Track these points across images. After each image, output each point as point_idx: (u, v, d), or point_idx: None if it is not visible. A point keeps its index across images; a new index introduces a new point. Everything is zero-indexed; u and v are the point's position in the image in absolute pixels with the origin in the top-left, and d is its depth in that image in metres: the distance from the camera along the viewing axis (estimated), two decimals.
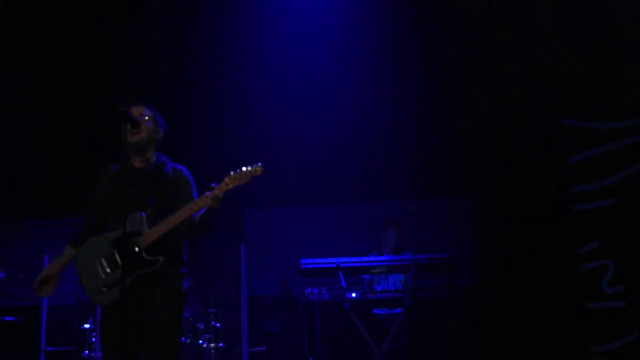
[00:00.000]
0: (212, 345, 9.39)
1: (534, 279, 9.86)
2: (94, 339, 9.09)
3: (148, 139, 5.71)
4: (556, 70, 10.04)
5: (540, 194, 10.03)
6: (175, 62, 10.92)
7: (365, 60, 10.72)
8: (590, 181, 9.91)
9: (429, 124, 10.71)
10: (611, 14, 9.77)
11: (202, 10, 10.86)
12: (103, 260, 5.45)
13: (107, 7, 10.68)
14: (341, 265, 8.61)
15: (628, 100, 9.73)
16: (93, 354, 9.02)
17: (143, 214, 5.42)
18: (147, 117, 5.71)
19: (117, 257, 5.40)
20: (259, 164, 5.37)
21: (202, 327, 9.47)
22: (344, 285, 8.57)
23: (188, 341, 9.21)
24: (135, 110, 5.66)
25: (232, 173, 5.35)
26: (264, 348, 10.08)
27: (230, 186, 5.32)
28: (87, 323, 9.22)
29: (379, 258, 9.43)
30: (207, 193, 5.32)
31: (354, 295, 8.62)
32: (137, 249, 5.34)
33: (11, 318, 10.06)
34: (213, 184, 5.34)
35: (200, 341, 9.38)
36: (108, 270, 5.42)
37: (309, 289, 8.90)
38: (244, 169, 5.36)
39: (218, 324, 9.54)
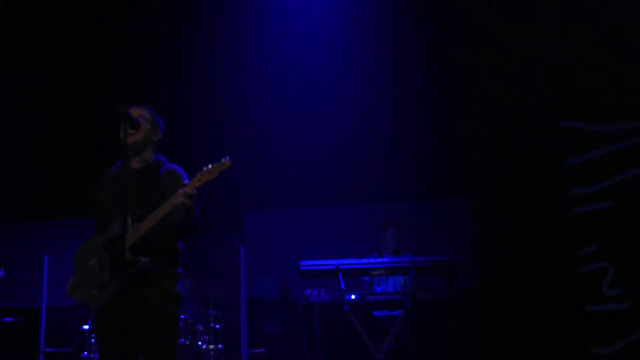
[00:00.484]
0: (212, 346, 9.36)
1: (533, 281, 9.86)
2: (93, 340, 9.07)
3: (145, 139, 5.69)
4: (556, 71, 10.04)
5: (540, 195, 10.03)
6: (175, 62, 10.92)
7: (365, 60, 10.72)
8: (590, 183, 9.92)
9: (429, 125, 10.69)
10: (611, 14, 9.76)
11: (202, 10, 10.85)
12: (96, 262, 5.45)
13: (107, 7, 10.68)
14: (340, 267, 8.60)
15: (628, 103, 9.74)
16: (92, 355, 9.01)
17: (130, 215, 5.41)
18: (145, 119, 5.70)
19: (107, 259, 5.40)
20: (227, 157, 5.31)
21: (202, 328, 9.45)
22: (344, 287, 8.56)
23: (187, 343, 9.20)
24: (135, 111, 5.64)
25: (203, 168, 5.33)
26: (263, 350, 10.06)
27: (200, 182, 5.27)
28: (86, 324, 9.19)
29: (378, 260, 9.42)
30: (180, 190, 5.31)
31: (353, 297, 8.62)
32: (121, 250, 5.30)
33: (10, 319, 10.08)
34: (186, 181, 5.37)
35: (200, 343, 9.35)
36: (99, 272, 5.42)
37: (309, 291, 8.88)
38: (210, 165, 5.34)
39: (217, 326, 9.51)
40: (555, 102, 10.16)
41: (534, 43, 10.05)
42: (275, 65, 10.76)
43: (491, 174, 10.34)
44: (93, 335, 9.08)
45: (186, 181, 5.64)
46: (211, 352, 9.34)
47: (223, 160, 5.30)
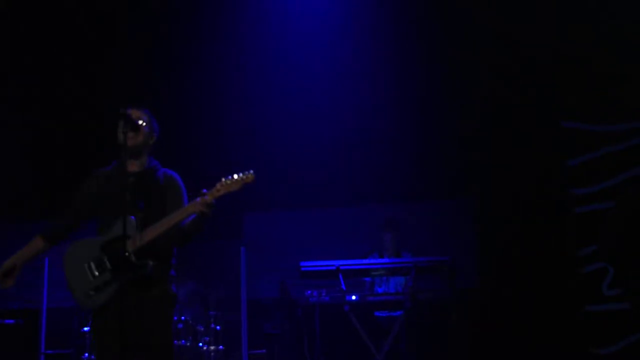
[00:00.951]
0: (212, 347, 9.34)
1: (533, 282, 9.86)
2: (93, 342, 9.07)
3: (144, 142, 5.71)
4: (556, 72, 10.04)
5: (540, 196, 10.03)
6: (175, 62, 10.91)
7: (365, 61, 10.72)
8: (590, 184, 9.91)
9: (429, 125, 10.69)
10: (611, 14, 9.76)
11: (202, 10, 10.84)
12: (92, 263, 5.45)
13: (107, 7, 10.67)
14: (341, 267, 8.63)
15: (628, 103, 9.73)
16: (92, 356, 9.00)
17: (133, 218, 5.42)
18: (143, 121, 5.70)
19: (106, 261, 5.41)
20: (251, 171, 5.37)
21: (202, 329, 9.42)
22: (344, 288, 8.57)
23: (188, 344, 9.18)
24: (133, 113, 5.63)
25: (223, 179, 5.36)
26: (264, 351, 10.05)
27: (222, 192, 5.33)
28: (86, 326, 9.17)
29: (378, 260, 9.42)
30: (198, 199, 5.33)
31: (354, 297, 8.64)
32: (126, 252, 5.31)
33: (11, 321, 10.07)
34: (204, 190, 5.35)
35: (200, 344, 9.33)
36: (96, 273, 5.42)
37: (309, 291, 8.90)
38: (235, 176, 5.36)
39: (218, 327, 9.48)
40: (555, 102, 10.16)
41: (534, 43, 10.05)
42: (275, 66, 10.76)
43: (491, 174, 10.35)
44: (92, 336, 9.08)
45: (184, 188, 5.68)
46: (212, 353, 9.33)
47: (247, 173, 5.34)
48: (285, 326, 10.14)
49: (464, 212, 10.92)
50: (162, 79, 10.79)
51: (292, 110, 10.74)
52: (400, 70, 10.67)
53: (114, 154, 5.80)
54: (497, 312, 9.65)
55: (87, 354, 9.09)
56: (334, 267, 8.63)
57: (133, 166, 5.68)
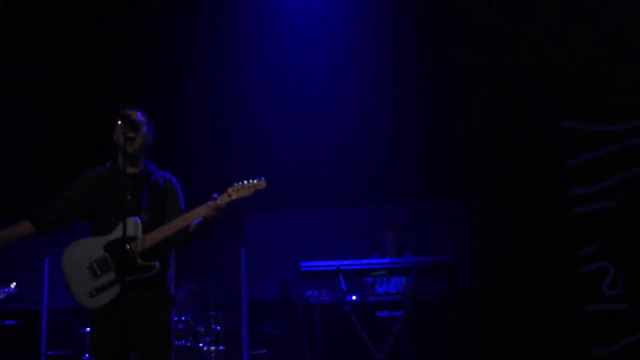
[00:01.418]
0: (213, 348, 9.38)
1: (534, 282, 9.85)
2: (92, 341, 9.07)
3: (142, 145, 5.70)
4: (556, 72, 10.03)
5: (540, 196, 10.02)
6: (175, 63, 10.91)
7: (365, 61, 10.71)
8: (589, 184, 9.91)
9: (429, 125, 10.69)
10: (611, 14, 9.76)
11: (202, 10, 10.84)
12: (94, 264, 5.42)
13: (107, 7, 10.66)
14: (341, 267, 8.62)
15: (627, 103, 9.73)
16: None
17: (138, 219, 5.43)
18: (142, 123, 5.70)
19: (110, 261, 5.40)
20: (262, 178, 5.41)
21: (203, 330, 9.45)
22: (344, 288, 8.57)
23: (189, 344, 9.20)
24: (132, 114, 5.63)
25: (235, 184, 5.38)
26: (264, 351, 10.07)
27: (234, 197, 5.37)
28: (87, 327, 9.18)
29: (379, 261, 9.43)
30: (209, 203, 5.34)
31: (354, 297, 8.64)
32: (132, 254, 5.34)
33: (11, 322, 10.06)
34: (215, 195, 5.35)
35: (201, 344, 9.36)
36: (99, 273, 5.41)
37: (309, 292, 8.91)
38: (246, 181, 5.39)
39: (218, 327, 9.52)
40: (555, 102, 10.15)
41: (534, 43, 10.04)
42: (275, 66, 10.75)
43: (491, 174, 10.34)
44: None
45: (181, 192, 5.69)
46: (212, 354, 9.36)
47: (259, 180, 5.38)
48: (286, 326, 10.17)
49: (464, 212, 10.95)
50: (162, 79, 10.78)
51: (292, 110, 10.75)
52: (400, 70, 10.65)
53: (110, 154, 5.79)
54: (497, 312, 9.65)
55: (87, 355, 9.10)
56: (334, 268, 8.62)
57: (131, 167, 5.65)
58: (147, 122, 5.77)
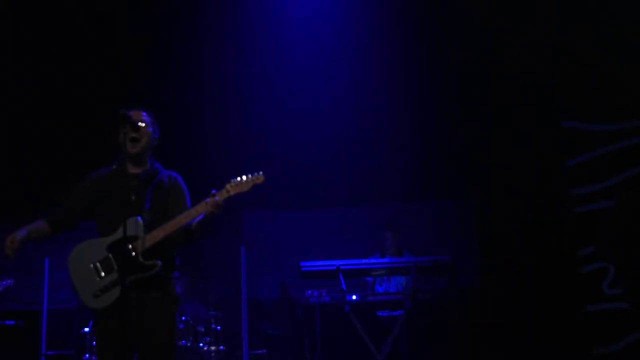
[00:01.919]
0: (213, 348, 9.35)
1: (534, 281, 9.86)
2: (94, 343, 9.07)
3: (147, 146, 5.70)
4: (556, 72, 10.03)
5: (540, 196, 10.03)
6: (174, 63, 10.91)
7: (365, 61, 10.72)
8: (589, 183, 9.91)
9: (429, 126, 10.70)
10: (611, 14, 9.76)
11: (202, 10, 10.84)
12: (98, 264, 5.45)
13: (107, 7, 10.66)
14: (341, 267, 8.61)
15: (627, 103, 9.73)
16: (93, 357, 9.00)
17: (140, 218, 5.43)
18: (146, 123, 5.70)
19: (113, 261, 5.41)
20: (260, 172, 5.39)
21: (203, 330, 9.44)
22: (344, 288, 8.57)
23: (189, 344, 9.19)
24: (135, 115, 5.63)
25: (233, 180, 5.38)
26: (264, 351, 10.07)
27: (232, 193, 5.35)
28: (87, 327, 9.18)
29: (379, 260, 9.43)
30: (207, 199, 5.33)
31: (354, 297, 8.64)
32: (134, 253, 5.35)
33: (11, 322, 10.08)
34: (214, 191, 5.35)
35: (201, 344, 9.34)
36: (103, 274, 5.42)
37: (309, 291, 8.91)
38: (244, 177, 5.38)
39: (218, 327, 9.51)
40: (555, 102, 10.15)
41: (534, 43, 10.04)
42: (275, 66, 10.76)
43: (491, 175, 10.34)
44: (94, 337, 9.08)
45: (186, 190, 5.68)
46: (212, 354, 9.33)
47: (257, 174, 5.36)
48: (286, 326, 10.16)
49: (464, 212, 10.96)
50: (162, 79, 10.78)
51: (292, 109, 10.76)
52: (400, 70, 10.67)
53: (112, 155, 5.78)
54: (497, 311, 9.62)
55: (87, 355, 9.09)
56: (334, 267, 8.61)
57: (135, 168, 5.69)
58: (152, 122, 5.78)
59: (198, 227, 5.53)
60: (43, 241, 5.91)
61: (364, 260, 9.16)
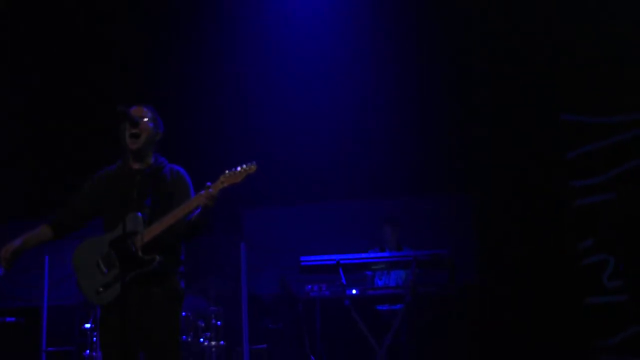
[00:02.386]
0: (213, 343, 9.38)
1: (534, 275, 9.83)
2: (94, 339, 9.08)
3: (148, 141, 5.68)
4: (555, 65, 10.03)
5: (540, 189, 10.01)
6: (175, 63, 10.94)
7: (364, 58, 10.75)
8: (589, 176, 9.90)
9: (427, 120, 10.71)
10: (610, 7, 9.78)
11: (202, 10, 10.88)
12: (100, 260, 5.46)
13: (107, 7, 10.70)
14: (341, 261, 8.59)
15: (626, 95, 9.72)
16: (94, 353, 9.02)
17: (140, 214, 5.44)
18: (147, 118, 5.69)
19: (114, 257, 5.41)
20: (253, 162, 5.39)
21: (203, 325, 9.47)
22: (344, 282, 8.56)
23: (189, 339, 9.22)
24: (136, 111, 5.64)
25: (227, 172, 5.37)
26: (265, 346, 10.06)
27: (226, 184, 5.34)
28: (87, 323, 9.20)
29: (379, 254, 9.41)
30: (202, 192, 5.34)
31: (354, 291, 8.62)
32: (133, 248, 5.34)
33: (12, 319, 10.10)
34: (208, 183, 5.35)
35: (202, 339, 9.37)
36: (105, 270, 5.43)
37: (309, 286, 8.90)
38: (238, 167, 5.38)
39: (219, 322, 9.53)
40: (554, 95, 10.14)
41: (534, 38, 10.05)
42: (275, 64, 10.78)
43: (490, 169, 10.34)
44: (95, 333, 9.10)
45: (190, 183, 5.68)
46: (213, 349, 9.35)
47: (250, 164, 5.36)
48: (286, 321, 10.16)
49: (463, 206, 10.94)
50: (162, 79, 10.81)
51: (291, 106, 10.78)
52: (400, 67, 10.70)
53: (114, 153, 5.80)
54: (497, 305, 9.63)
55: (88, 351, 9.10)
56: (334, 262, 8.58)
57: (138, 164, 5.69)
58: (153, 118, 5.77)
59: (197, 220, 5.51)
60: None
61: (363, 255, 9.14)
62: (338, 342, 9.01)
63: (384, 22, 10.75)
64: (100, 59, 10.83)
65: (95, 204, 5.72)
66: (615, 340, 9.47)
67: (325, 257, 8.64)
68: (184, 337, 9.16)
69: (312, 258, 8.69)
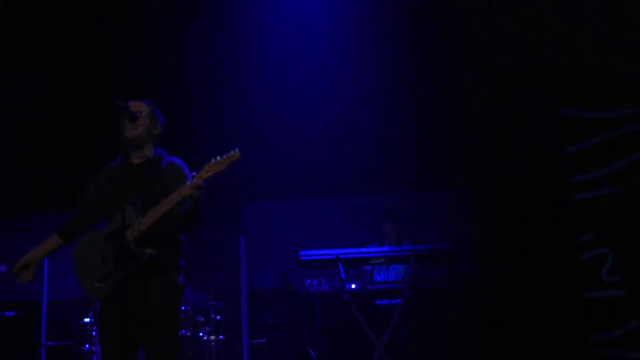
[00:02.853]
0: (213, 337, 9.38)
1: (533, 270, 9.86)
2: (94, 334, 9.08)
3: (145, 134, 5.72)
4: (554, 59, 10.05)
5: (539, 184, 10.04)
6: (173, 55, 10.95)
7: (364, 53, 10.75)
8: (589, 171, 9.91)
9: (427, 115, 10.72)
10: (610, 9, 9.80)
11: (202, 10, 10.90)
12: (97, 255, 5.47)
13: (107, 7, 10.72)
14: (341, 256, 8.58)
15: (625, 90, 9.74)
16: (94, 348, 9.01)
17: (134, 207, 5.44)
18: (144, 112, 5.73)
19: (110, 251, 5.42)
20: (236, 149, 5.37)
21: (202, 319, 9.46)
22: (344, 277, 8.56)
23: (188, 334, 9.21)
24: (134, 105, 5.67)
25: (212, 160, 5.37)
26: (264, 340, 10.05)
27: (210, 173, 5.31)
28: (87, 317, 9.21)
29: (378, 249, 9.41)
30: (188, 182, 5.35)
31: (353, 286, 8.64)
32: (125, 241, 5.35)
33: (11, 313, 10.09)
34: (194, 173, 5.36)
35: (201, 334, 9.37)
36: (101, 264, 5.44)
37: (309, 281, 8.92)
38: (220, 157, 5.38)
39: (218, 317, 9.53)
40: (553, 89, 10.16)
41: (534, 33, 10.07)
42: (275, 58, 10.79)
43: (490, 164, 10.36)
44: (94, 328, 9.10)
45: (187, 173, 5.69)
46: (212, 343, 9.36)
47: (232, 152, 5.35)
48: (286, 316, 10.16)
49: (463, 202, 10.96)
50: (161, 72, 10.83)
51: (291, 100, 10.78)
52: (399, 62, 10.73)
53: (112, 149, 5.85)
54: (496, 300, 9.63)
55: (87, 346, 9.10)
56: (333, 256, 8.57)
57: (137, 158, 5.73)
58: (152, 112, 5.82)
59: (189, 211, 5.51)
60: (41, 233, 5.96)
61: (363, 249, 9.13)
62: (337, 336, 8.99)
63: (384, 21, 10.76)
64: (100, 58, 10.84)
65: (100, 200, 5.76)
66: (614, 335, 9.48)
67: (325, 251, 8.64)
68: (183, 331, 9.14)
69: (312, 253, 8.67)
